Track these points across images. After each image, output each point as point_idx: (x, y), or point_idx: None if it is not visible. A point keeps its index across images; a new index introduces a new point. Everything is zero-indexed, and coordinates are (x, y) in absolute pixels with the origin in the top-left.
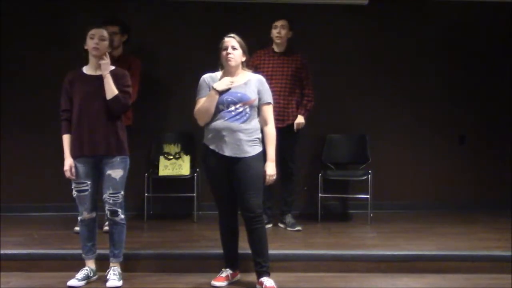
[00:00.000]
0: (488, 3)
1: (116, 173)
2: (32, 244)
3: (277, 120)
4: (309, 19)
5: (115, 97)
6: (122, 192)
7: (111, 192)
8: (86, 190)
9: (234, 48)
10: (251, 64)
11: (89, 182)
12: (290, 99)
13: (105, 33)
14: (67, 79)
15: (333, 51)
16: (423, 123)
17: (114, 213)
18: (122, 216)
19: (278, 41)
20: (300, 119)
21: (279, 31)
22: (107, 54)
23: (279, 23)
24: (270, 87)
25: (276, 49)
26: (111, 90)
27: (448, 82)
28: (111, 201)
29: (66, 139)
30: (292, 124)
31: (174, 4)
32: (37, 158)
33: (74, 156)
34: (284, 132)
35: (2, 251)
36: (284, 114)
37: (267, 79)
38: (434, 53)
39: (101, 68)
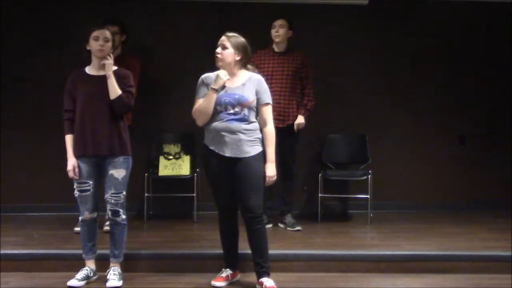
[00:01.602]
0: (488, 3)
1: (118, 173)
2: (32, 244)
3: (277, 120)
4: (309, 19)
5: (119, 97)
6: (124, 192)
7: (113, 192)
8: (88, 190)
9: (224, 48)
10: (251, 64)
11: (91, 182)
12: (290, 99)
13: (108, 34)
14: (70, 79)
15: (333, 51)
16: (423, 123)
17: (115, 213)
18: (124, 217)
19: (277, 40)
20: (300, 119)
21: (277, 30)
22: (110, 54)
23: (277, 22)
24: (270, 87)
25: (276, 48)
26: (114, 90)
27: (448, 82)
28: (112, 201)
29: (69, 139)
30: (293, 124)
31: (174, 4)
32: (37, 158)
33: (77, 156)
34: (285, 132)
35: (2, 251)
36: (285, 114)
37: (267, 79)
38: (434, 53)
39: (105, 68)
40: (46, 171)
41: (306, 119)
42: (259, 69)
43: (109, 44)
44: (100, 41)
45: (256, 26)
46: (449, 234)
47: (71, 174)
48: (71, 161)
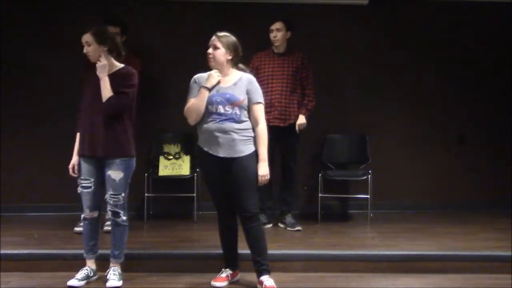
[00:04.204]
0: (488, 3)
1: (115, 174)
2: (32, 244)
3: (278, 119)
4: (309, 19)
5: (108, 99)
6: (123, 194)
7: (111, 193)
8: (89, 187)
9: (215, 48)
10: (251, 66)
11: (92, 180)
12: (291, 99)
13: (87, 37)
14: (84, 77)
15: (333, 51)
16: (423, 123)
17: (115, 214)
18: (124, 218)
19: (276, 44)
20: (301, 120)
21: (275, 35)
22: (103, 56)
23: (274, 26)
24: (271, 88)
25: (276, 50)
26: (104, 92)
27: (448, 82)
28: (111, 202)
29: (77, 137)
30: (294, 123)
31: (174, 4)
32: (37, 158)
33: (79, 154)
34: (286, 132)
35: (2, 251)
36: (286, 114)
37: (268, 80)
38: (434, 53)
39: (97, 70)
40: (46, 171)
41: (306, 119)
42: (260, 70)
43: (92, 47)
44: (85, 46)
45: (256, 26)
46: (449, 234)
47: (70, 171)
48: (73, 159)
